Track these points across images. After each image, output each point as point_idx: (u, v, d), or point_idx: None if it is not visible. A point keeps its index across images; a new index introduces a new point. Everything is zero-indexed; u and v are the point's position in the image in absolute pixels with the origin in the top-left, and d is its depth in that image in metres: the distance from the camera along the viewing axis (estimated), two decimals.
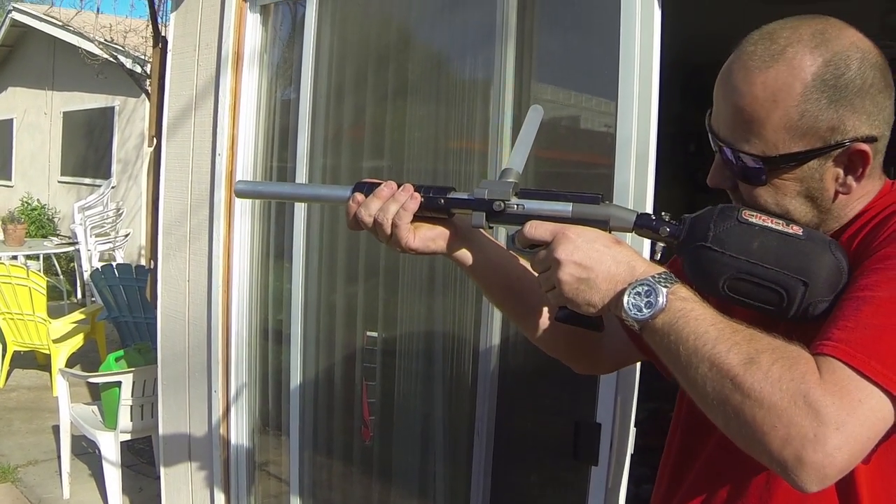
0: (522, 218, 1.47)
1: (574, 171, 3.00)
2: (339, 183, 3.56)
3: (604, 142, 2.71)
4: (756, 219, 1.36)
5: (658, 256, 1.49)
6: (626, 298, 1.33)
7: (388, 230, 1.58)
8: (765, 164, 1.37)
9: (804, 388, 1.14)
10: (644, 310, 1.31)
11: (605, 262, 1.38)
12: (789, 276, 1.32)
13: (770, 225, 1.35)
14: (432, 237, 1.63)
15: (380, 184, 1.60)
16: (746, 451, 1.21)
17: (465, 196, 1.54)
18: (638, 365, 2.36)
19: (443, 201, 1.54)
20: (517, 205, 1.49)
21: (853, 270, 1.31)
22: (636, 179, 2.49)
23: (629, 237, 1.59)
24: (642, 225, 1.44)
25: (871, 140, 1.34)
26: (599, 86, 2.85)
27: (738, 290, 1.36)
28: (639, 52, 2.47)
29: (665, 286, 1.31)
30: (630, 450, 2.57)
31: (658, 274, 1.34)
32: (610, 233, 1.44)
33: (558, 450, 2.89)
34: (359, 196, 1.62)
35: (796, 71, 1.32)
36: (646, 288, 1.32)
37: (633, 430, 2.55)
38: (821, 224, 1.43)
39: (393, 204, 1.58)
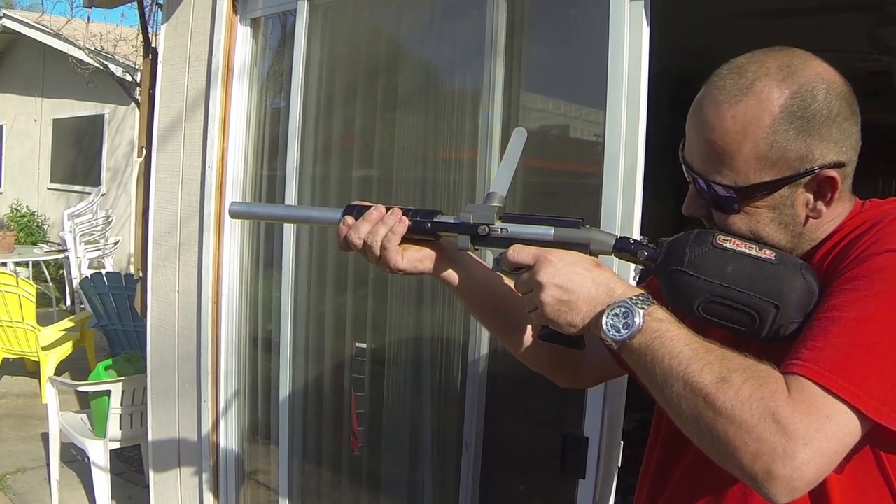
0: (506, 241, 1.53)
1: (563, 180, 3.02)
2: (329, 194, 3.60)
3: (593, 151, 2.73)
4: (730, 244, 1.41)
5: (636, 277, 1.54)
6: (604, 320, 1.39)
7: (377, 252, 1.64)
8: (737, 193, 1.43)
9: (773, 405, 1.19)
10: (622, 330, 1.36)
11: (585, 284, 1.43)
12: (761, 300, 1.37)
13: (743, 250, 1.40)
14: (420, 258, 1.69)
15: (369, 206, 1.64)
16: (720, 465, 1.26)
17: (450, 220, 1.58)
18: (625, 379, 2.38)
19: (430, 225, 1.59)
20: (501, 229, 1.54)
21: (824, 290, 1.36)
22: (624, 192, 2.51)
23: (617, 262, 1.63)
24: (621, 248, 1.50)
25: (838, 166, 1.39)
26: (587, 95, 2.88)
27: (712, 312, 1.41)
28: (627, 65, 2.49)
29: (642, 307, 1.37)
30: (618, 463, 2.58)
31: (636, 296, 1.39)
32: (590, 255, 1.49)
33: (546, 462, 2.90)
34: (349, 219, 1.67)
35: (764, 104, 1.38)
36: (623, 309, 1.37)
37: (620, 444, 2.56)
38: (794, 248, 1.47)
39: (382, 227, 1.63)
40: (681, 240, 1.45)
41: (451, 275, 1.74)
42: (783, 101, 1.38)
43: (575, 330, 1.46)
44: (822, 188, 1.41)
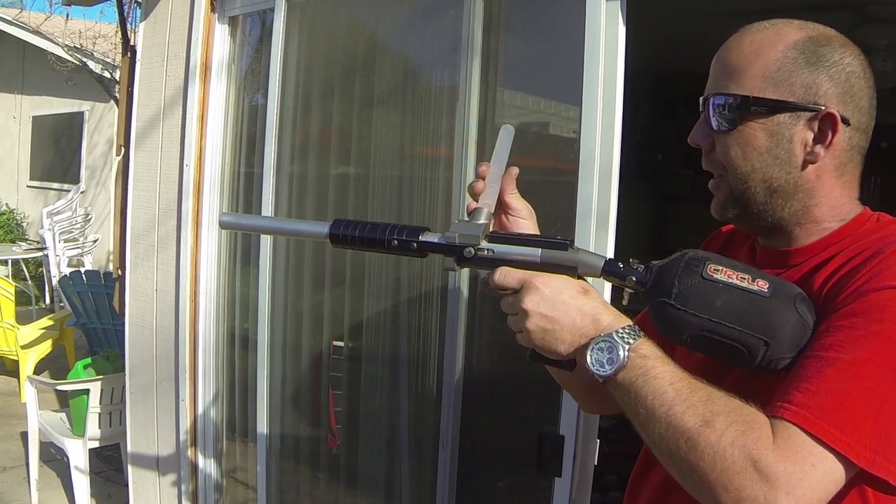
0: (492, 262, 1.48)
1: (539, 177, 3.02)
2: (307, 191, 3.60)
3: (570, 148, 2.73)
4: (721, 274, 1.36)
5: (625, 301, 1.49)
6: (589, 354, 1.35)
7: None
8: (737, 102, 1.44)
9: (756, 453, 1.17)
10: (606, 366, 1.33)
11: (570, 314, 1.40)
12: (751, 336, 1.33)
13: (734, 282, 1.35)
14: None
15: (357, 223, 1.58)
16: None
17: (436, 240, 1.53)
18: None
19: (415, 245, 1.53)
20: (487, 249, 1.49)
21: (821, 316, 1.33)
22: (600, 190, 2.52)
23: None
24: (609, 271, 1.45)
25: (844, 121, 1.41)
26: (564, 92, 2.87)
27: (700, 345, 1.38)
28: (603, 63, 2.51)
29: (626, 342, 1.33)
30: (595, 461, 2.58)
31: (622, 328, 1.36)
32: (579, 278, 1.45)
33: (523, 460, 2.91)
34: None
35: (782, 35, 1.45)
36: (608, 344, 1.34)
37: (597, 442, 2.57)
38: (788, 201, 1.46)
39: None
40: (670, 267, 1.40)
41: None
42: (800, 37, 1.44)
43: (560, 357, 1.43)
44: (823, 131, 1.41)
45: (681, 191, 6.85)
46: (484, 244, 1.49)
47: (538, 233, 1.58)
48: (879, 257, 1.32)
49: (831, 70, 1.41)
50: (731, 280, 1.35)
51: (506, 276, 1.45)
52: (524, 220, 1.62)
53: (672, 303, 1.36)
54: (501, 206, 1.61)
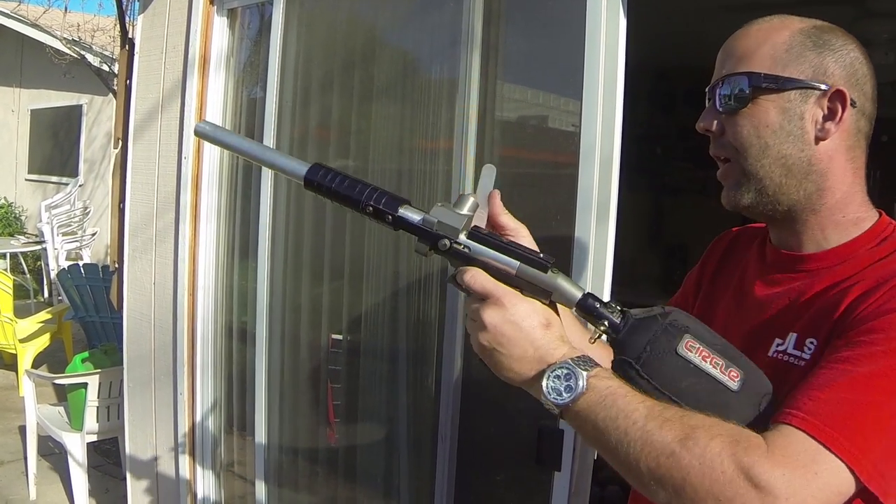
0: (466, 259, 1.39)
1: (540, 170, 3.01)
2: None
3: (570, 141, 2.72)
4: (696, 354, 1.28)
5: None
6: (545, 381, 1.28)
7: None
8: (749, 79, 1.44)
9: (748, 461, 1.12)
10: (564, 394, 1.27)
11: (523, 344, 1.32)
12: None
13: (707, 367, 1.27)
14: None
15: (338, 175, 1.47)
16: None
17: (414, 220, 1.43)
18: None
19: (390, 218, 1.44)
20: (464, 245, 1.40)
21: (843, 326, 1.30)
22: (600, 183, 2.51)
23: None
24: (585, 308, 1.36)
25: (851, 102, 1.41)
26: (564, 85, 2.86)
27: None
28: (603, 55, 2.49)
29: (584, 369, 1.27)
30: (594, 455, 2.57)
31: (577, 357, 1.30)
32: (551, 304, 1.38)
33: (522, 454, 2.90)
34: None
35: (787, 23, 1.47)
36: (565, 371, 1.28)
37: None
38: (805, 198, 1.45)
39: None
40: (647, 325, 1.32)
41: None
42: (805, 25, 1.46)
43: (506, 380, 1.36)
44: (832, 110, 1.42)
45: (680, 184, 6.86)
46: (462, 238, 1.40)
47: (533, 248, 1.45)
48: None
49: (836, 54, 1.43)
50: (703, 364, 1.27)
51: (474, 279, 1.37)
52: (522, 238, 1.50)
53: (637, 368, 1.29)
54: (495, 229, 1.48)
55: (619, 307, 1.36)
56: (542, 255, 1.38)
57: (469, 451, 3.08)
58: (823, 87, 1.41)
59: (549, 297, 1.37)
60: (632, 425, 1.20)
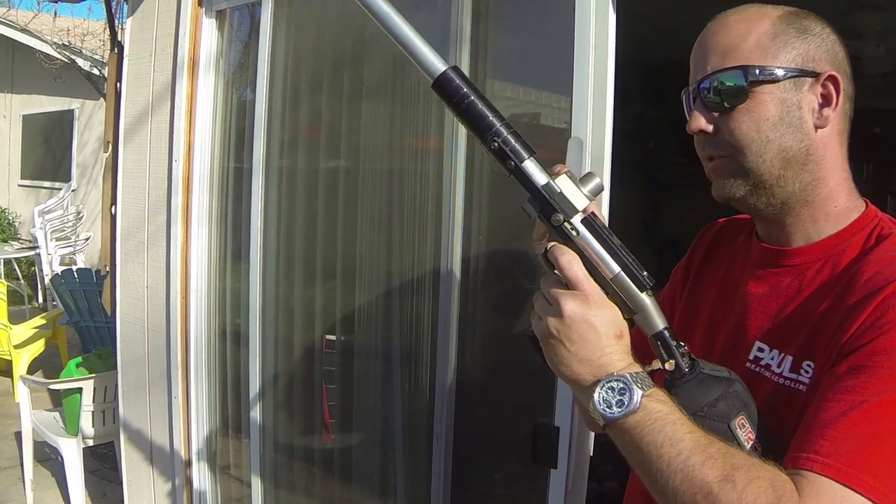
0: (569, 241, 1.33)
1: None
2: (296, 185, 3.58)
3: (561, 139, 2.70)
4: (744, 433, 1.29)
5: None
6: (598, 392, 1.27)
7: None
8: (743, 72, 1.40)
9: None
10: (614, 408, 1.25)
11: (591, 348, 1.30)
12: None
13: (747, 446, 1.28)
14: None
15: (473, 93, 1.35)
16: None
17: (538, 180, 1.35)
18: None
19: (512, 164, 1.35)
20: (575, 229, 1.33)
21: (835, 337, 1.29)
22: None
23: None
24: (661, 340, 1.34)
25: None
26: (554, 83, 2.85)
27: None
28: (593, 52, 2.48)
29: (642, 387, 1.25)
30: (590, 452, 2.56)
31: (636, 373, 1.27)
32: (629, 320, 1.34)
33: (518, 452, 2.89)
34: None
35: (764, 11, 1.44)
36: (621, 385, 1.26)
37: (592, 433, 2.55)
38: (801, 189, 1.43)
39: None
40: (712, 387, 1.32)
41: None
42: (781, 13, 1.44)
43: (556, 373, 1.35)
44: (827, 96, 1.41)
45: (674, 179, 6.85)
46: (576, 221, 1.33)
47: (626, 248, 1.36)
48: (893, 286, 1.27)
49: (818, 38, 1.42)
50: (747, 444, 1.28)
51: (570, 265, 1.31)
52: None
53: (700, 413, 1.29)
54: None
55: (689, 353, 1.35)
56: (645, 272, 1.33)
57: (465, 449, 3.08)
58: (815, 73, 1.40)
59: (633, 314, 1.34)
60: (675, 456, 1.19)
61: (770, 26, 1.41)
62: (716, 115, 1.44)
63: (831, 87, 1.40)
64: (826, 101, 1.40)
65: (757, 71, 1.39)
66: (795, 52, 1.40)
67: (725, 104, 1.42)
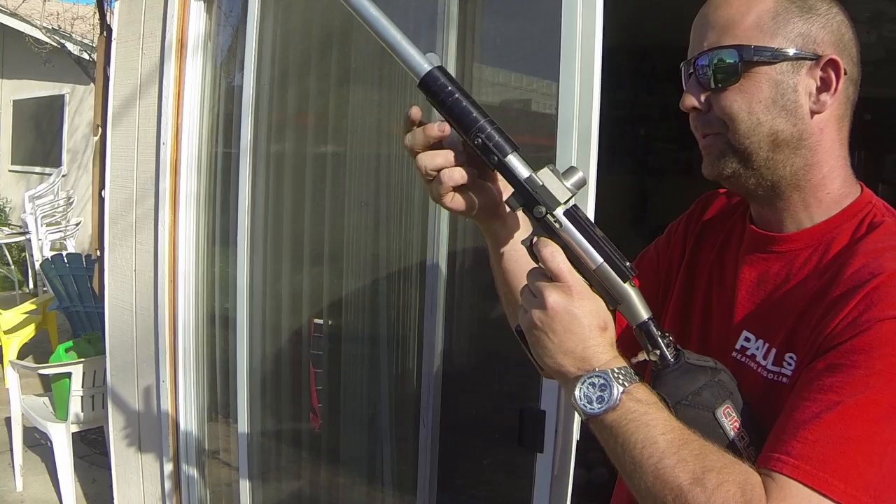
0: (552, 234, 1.35)
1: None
2: (284, 169, 3.57)
3: (548, 124, 2.70)
4: (730, 421, 1.30)
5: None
6: (578, 388, 1.27)
7: (424, 177, 1.44)
8: (738, 52, 1.37)
9: None
10: (594, 404, 1.26)
11: (573, 340, 1.30)
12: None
13: (733, 438, 1.29)
14: (468, 206, 1.46)
15: (457, 91, 1.39)
16: None
17: (521, 173, 1.37)
18: None
19: (496, 159, 1.37)
20: (557, 220, 1.34)
21: (818, 328, 1.28)
22: (578, 163, 2.48)
23: None
24: (645, 330, 1.35)
25: (843, 71, 1.37)
26: (541, 67, 2.85)
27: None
28: (580, 36, 2.47)
29: (622, 384, 1.25)
30: (576, 437, 2.56)
31: (618, 368, 1.27)
32: (612, 311, 1.35)
33: (504, 437, 2.90)
34: (414, 112, 1.44)
35: None
36: (601, 380, 1.26)
37: (578, 418, 2.55)
38: (792, 174, 1.41)
39: (438, 158, 1.42)
40: (697, 376, 1.33)
41: (497, 232, 1.55)
42: None
43: (539, 367, 1.36)
44: (826, 80, 1.37)
45: (664, 165, 6.85)
46: (559, 213, 1.35)
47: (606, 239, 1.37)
48: (877, 280, 1.25)
49: (823, 19, 1.37)
50: (731, 434, 1.29)
51: (553, 257, 1.32)
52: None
53: (671, 410, 1.28)
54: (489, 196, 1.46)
55: (674, 343, 1.35)
56: (628, 262, 1.34)
57: (451, 434, 3.08)
58: (815, 56, 1.36)
59: (616, 305, 1.35)
60: (648, 458, 1.19)
61: (772, 3, 1.37)
62: (710, 92, 1.42)
63: (831, 72, 1.36)
64: (825, 85, 1.37)
65: (752, 51, 1.36)
66: (796, 33, 1.36)
67: (719, 83, 1.39)
